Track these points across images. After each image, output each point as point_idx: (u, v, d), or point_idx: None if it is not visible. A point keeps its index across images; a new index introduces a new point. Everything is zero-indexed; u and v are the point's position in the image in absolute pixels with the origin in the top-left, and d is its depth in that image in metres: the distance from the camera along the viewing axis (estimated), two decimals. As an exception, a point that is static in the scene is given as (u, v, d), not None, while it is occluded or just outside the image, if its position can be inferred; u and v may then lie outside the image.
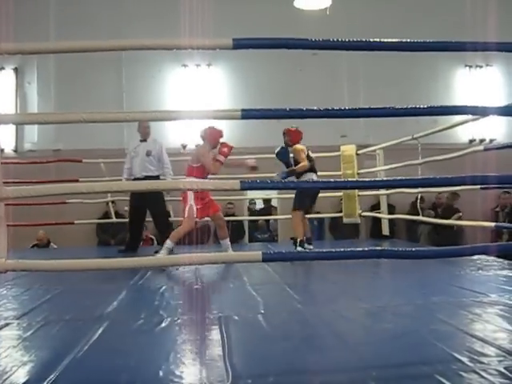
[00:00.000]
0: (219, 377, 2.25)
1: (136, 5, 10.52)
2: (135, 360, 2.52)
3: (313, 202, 6.77)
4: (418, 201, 7.11)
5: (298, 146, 6.43)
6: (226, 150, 5.89)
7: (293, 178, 6.29)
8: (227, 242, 6.10)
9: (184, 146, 10.37)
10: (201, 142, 6.24)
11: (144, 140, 7.04)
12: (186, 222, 5.79)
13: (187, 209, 5.76)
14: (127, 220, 7.65)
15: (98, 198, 8.42)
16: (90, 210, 8.92)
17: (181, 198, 5.94)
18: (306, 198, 6.43)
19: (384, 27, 9.68)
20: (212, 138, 5.99)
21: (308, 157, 6.41)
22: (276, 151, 6.50)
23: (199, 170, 5.82)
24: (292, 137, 6.49)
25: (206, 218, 6.26)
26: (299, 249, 6.12)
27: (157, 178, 6.84)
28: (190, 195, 5.73)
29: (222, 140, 6.03)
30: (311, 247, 6.41)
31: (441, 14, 10.51)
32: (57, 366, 2.41)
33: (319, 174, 6.62)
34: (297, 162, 6.37)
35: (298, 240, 6.23)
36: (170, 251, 5.70)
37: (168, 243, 5.69)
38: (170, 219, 7.42)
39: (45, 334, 3.09)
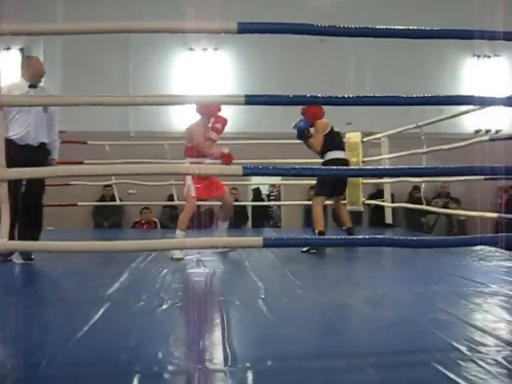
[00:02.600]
0: (218, 359, 2.27)
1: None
2: (135, 341, 2.53)
3: (337, 186, 6.01)
4: (422, 190, 7.10)
5: (321, 121, 5.96)
6: (219, 125, 5.48)
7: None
8: (225, 225, 5.73)
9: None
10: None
11: (34, 86, 4.89)
12: (186, 204, 5.47)
13: (185, 190, 5.47)
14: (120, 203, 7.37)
15: (101, 181, 8.46)
16: (88, 193, 8.96)
17: (182, 182, 5.63)
18: (325, 182, 5.82)
19: (391, 16, 9.60)
20: (207, 110, 5.46)
21: (330, 133, 5.95)
22: (294, 123, 6.00)
23: (193, 150, 5.42)
24: (311, 114, 5.93)
25: (210, 202, 6.04)
26: None
27: (46, 146, 5.01)
28: (188, 176, 5.41)
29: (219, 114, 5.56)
30: None
31: (449, 4, 10.43)
32: (57, 345, 2.43)
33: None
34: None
35: (317, 231, 5.64)
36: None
37: (178, 233, 5.29)
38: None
39: (47, 313, 3.12)
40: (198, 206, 6.38)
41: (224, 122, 5.53)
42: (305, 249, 5.35)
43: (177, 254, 5.00)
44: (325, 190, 5.86)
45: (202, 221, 5.82)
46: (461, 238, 3.38)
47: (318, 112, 5.94)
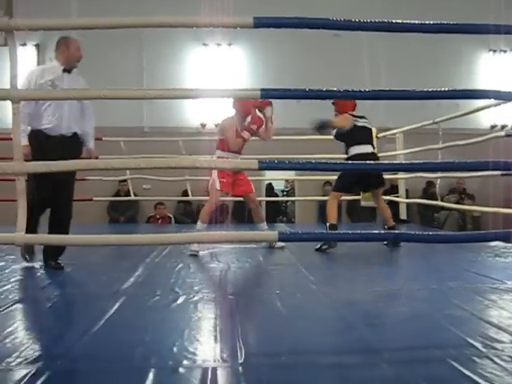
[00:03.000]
0: (232, 354, 2.27)
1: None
2: (150, 335, 2.55)
3: (362, 181, 5.57)
4: (437, 186, 7.07)
5: (344, 115, 5.63)
6: (254, 127, 5.30)
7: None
8: (263, 226, 5.55)
9: (203, 126, 10.39)
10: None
11: (69, 71, 4.38)
12: (209, 198, 5.43)
13: (210, 184, 5.38)
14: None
15: (117, 176, 8.50)
16: (104, 188, 9.00)
17: (208, 177, 5.53)
18: (344, 178, 5.50)
19: (406, 9, 9.59)
20: (242, 107, 5.36)
21: (355, 126, 5.60)
22: (312, 124, 5.52)
23: (223, 143, 5.37)
24: (339, 106, 5.67)
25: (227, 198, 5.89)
26: None
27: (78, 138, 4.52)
28: (214, 170, 5.26)
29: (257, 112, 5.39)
30: None
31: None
32: (73, 339, 2.45)
33: (340, 155, 6.43)
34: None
35: (328, 224, 5.37)
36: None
37: (199, 225, 5.25)
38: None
39: (62, 307, 3.14)
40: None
41: (260, 122, 5.36)
42: (318, 246, 5.17)
43: (195, 247, 5.01)
44: (343, 187, 5.58)
45: (217, 216, 5.78)
46: (476, 234, 3.36)
47: (347, 105, 5.64)
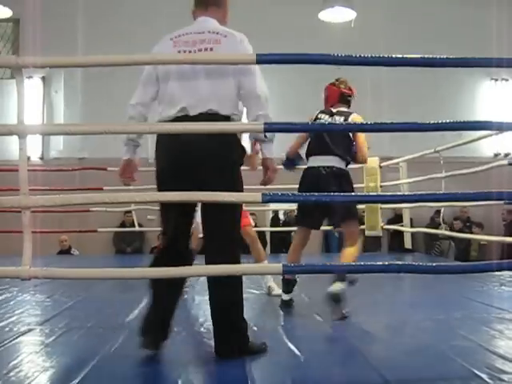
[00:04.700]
0: (237, 387, 2.27)
1: (163, 18, 10.60)
2: (155, 369, 2.55)
3: (315, 212, 3.92)
4: (442, 214, 7.05)
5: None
6: None
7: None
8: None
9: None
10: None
11: None
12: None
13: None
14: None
15: (121, 207, 8.53)
16: (109, 219, 9.03)
17: None
18: (298, 209, 4.29)
19: (408, 40, 9.70)
20: None
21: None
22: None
23: None
24: (326, 97, 4.49)
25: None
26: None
27: None
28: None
29: None
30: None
31: (465, 27, 10.47)
32: (78, 372, 2.45)
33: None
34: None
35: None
36: None
37: None
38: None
39: (67, 340, 3.13)
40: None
41: None
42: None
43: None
44: (299, 219, 4.24)
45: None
46: (480, 264, 3.34)
47: (328, 99, 4.47)
